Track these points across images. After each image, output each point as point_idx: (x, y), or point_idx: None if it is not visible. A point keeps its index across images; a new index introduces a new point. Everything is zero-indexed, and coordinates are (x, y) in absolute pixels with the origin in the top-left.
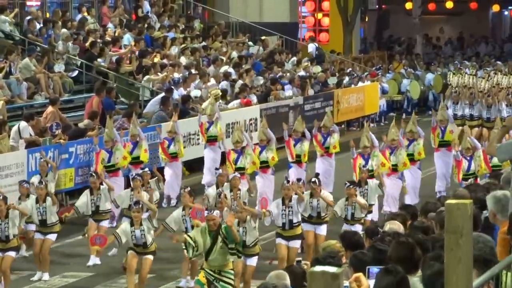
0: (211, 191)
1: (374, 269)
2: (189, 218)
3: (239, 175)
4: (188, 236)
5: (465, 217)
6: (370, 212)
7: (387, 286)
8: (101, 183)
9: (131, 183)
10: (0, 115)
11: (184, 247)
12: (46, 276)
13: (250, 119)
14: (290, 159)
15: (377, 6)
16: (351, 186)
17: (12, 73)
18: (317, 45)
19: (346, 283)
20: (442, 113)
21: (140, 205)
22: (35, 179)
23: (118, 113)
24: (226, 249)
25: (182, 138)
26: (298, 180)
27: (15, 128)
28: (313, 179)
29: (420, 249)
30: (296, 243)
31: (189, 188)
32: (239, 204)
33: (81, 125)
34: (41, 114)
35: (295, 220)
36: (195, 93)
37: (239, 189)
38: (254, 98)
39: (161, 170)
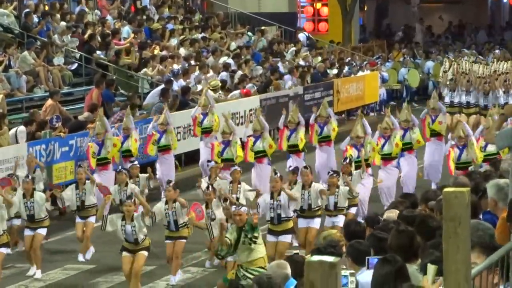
0: (204, 183)
1: (374, 260)
2: (172, 212)
3: (239, 168)
4: (227, 238)
5: (462, 205)
6: (355, 205)
7: (386, 275)
8: (87, 178)
9: (116, 176)
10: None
11: (218, 251)
12: (38, 274)
13: (250, 110)
14: (279, 148)
15: None
16: (334, 175)
17: (12, 67)
18: (307, 34)
19: (344, 272)
20: (434, 102)
21: (133, 199)
22: (20, 173)
23: (118, 105)
24: (249, 246)
25: (174, 130)
26: (293, 169)
27: (12, 131)
28: (304, 165)
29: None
30: (286, 238)
31: (172, 182)
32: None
33: (81, 117)
34: (41, 107)
35: (283, 215)
36: (196, 87)
37: (240, 183)
38: (252, 86)
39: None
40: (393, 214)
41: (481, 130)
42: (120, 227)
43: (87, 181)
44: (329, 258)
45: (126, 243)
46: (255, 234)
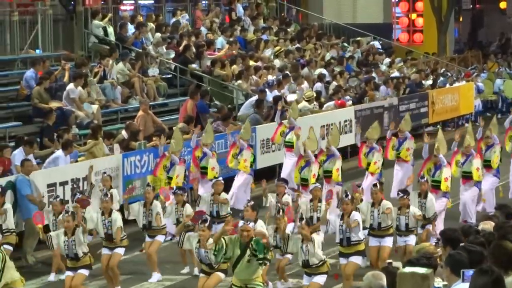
0: (272, 200)
1: (469, 272)
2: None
3: (320, 186)
4: (224, 239)
5: None
6: (429, 223)
7: (483, 286)
8: (155, 198)
9: (174, 197)
10: (95, 119)
11: (214, 250)
12: None
13: (345, 121)
14: (359, 165)
15: (471, 6)
16: (404, 196)
17: (106, 78)
18: (378, 37)
19: (437, 283)
20: None
21: (207, 224)
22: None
23: (212, 116)
24: (254, 263)
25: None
26: (358, 186)
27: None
28: (374, 183)
29: None
30: (357, 259)
31: (252, 202)
32: (300, 227)
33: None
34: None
35: (353, 238)
36: (290, 97)
37: (320, 201)
38: (348, 100)
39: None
40: (488, 225)
41: None
42: (194, 249)
43: (154, 201)
44: (421, 270)
45: (203, 265)
46: (268, 257)
